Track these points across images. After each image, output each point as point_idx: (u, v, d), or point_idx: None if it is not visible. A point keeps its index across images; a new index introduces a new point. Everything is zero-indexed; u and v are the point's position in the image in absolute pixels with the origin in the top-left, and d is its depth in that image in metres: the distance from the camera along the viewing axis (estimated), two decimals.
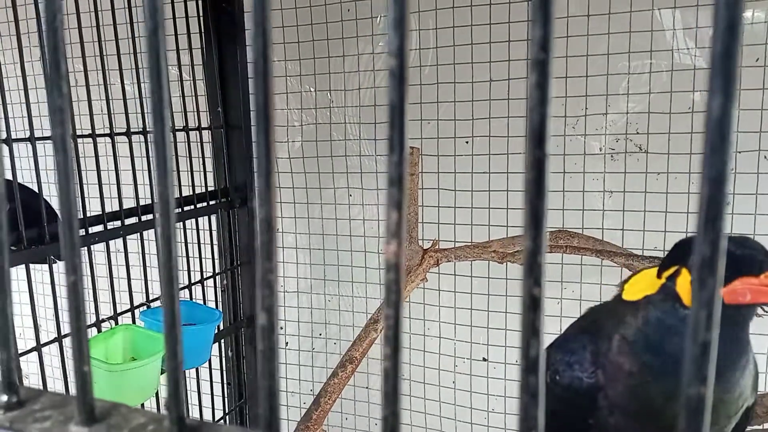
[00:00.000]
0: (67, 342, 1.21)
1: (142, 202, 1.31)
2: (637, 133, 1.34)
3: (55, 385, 1.32)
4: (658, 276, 0.65)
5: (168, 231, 0.28)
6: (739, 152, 1.28)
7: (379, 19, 1.49)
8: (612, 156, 1.37)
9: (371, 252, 1.58)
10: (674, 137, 1.30)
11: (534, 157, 0.22)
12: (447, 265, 1.47)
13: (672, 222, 1.31)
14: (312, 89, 1.58)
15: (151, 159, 1.33)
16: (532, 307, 0.22)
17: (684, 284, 0.61)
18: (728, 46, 0.19)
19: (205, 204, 1.48)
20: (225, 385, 1.61)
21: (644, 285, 0.65)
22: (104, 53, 1.24)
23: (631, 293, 0.66)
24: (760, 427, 0.85)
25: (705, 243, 0.20)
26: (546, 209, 0.22)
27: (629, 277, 0.72)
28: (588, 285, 1.38)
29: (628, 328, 0.64)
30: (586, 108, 1.36)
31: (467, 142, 1.46)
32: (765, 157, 1.27)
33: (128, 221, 1.30)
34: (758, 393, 0.91)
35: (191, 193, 1.46)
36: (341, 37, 1.51)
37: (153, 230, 1.36)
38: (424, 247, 1.39)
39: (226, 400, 1.61)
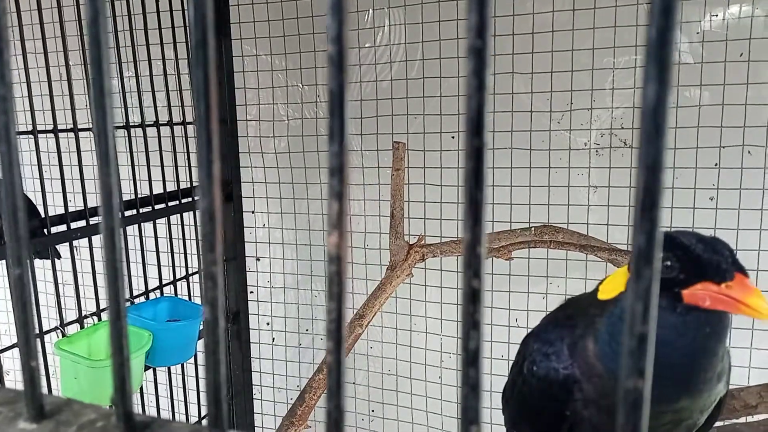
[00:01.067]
0: (47, 338, 1.20)
1: (124, 198, 1.30)
2: (622, 128, 1.34)
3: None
4: (629, 271, 0.65)
5: (111, 222, 0.27)
6: (724, 147, 1.28)
7: (366, 14, 1.48)
8: (597, 151, 1.37)
9: (358, 247, 1.58)
10: None
11: (472, 147, 0.21)
12: (433, 261, 1.47)
13: None
14: (298, 84, 1.58)
15: (135, 153, 1.33)
16: (472, 299, 0.22)
17: None
18: (663, 30, 0.19)
19: (189, 199, 1.47)
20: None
21: (617, 283, 0.65)
22: (84, 48, 1.23)
23: (605, 292, 0.66)
24: (737, 421, 0.85)
25: (641, 233, 0.20)
26: (485, 200, 0.22)
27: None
28: (573, 280, 1.38)
29: (599, 326, 0.64)
30: (572, 103, 1.35)
31: (453, 137, 1.46)
32: (749, 152, 1.27)
33: None
34: (737, 387, 0.91)
35: (176, 188, 1.45)
36: (326, 31, 1.50)
37: (136, 225, 1.36)
38: (410, 243, 1.39)
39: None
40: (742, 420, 0.86)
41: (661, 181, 0.20)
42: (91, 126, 1.23)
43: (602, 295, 0.66)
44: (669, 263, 0.57)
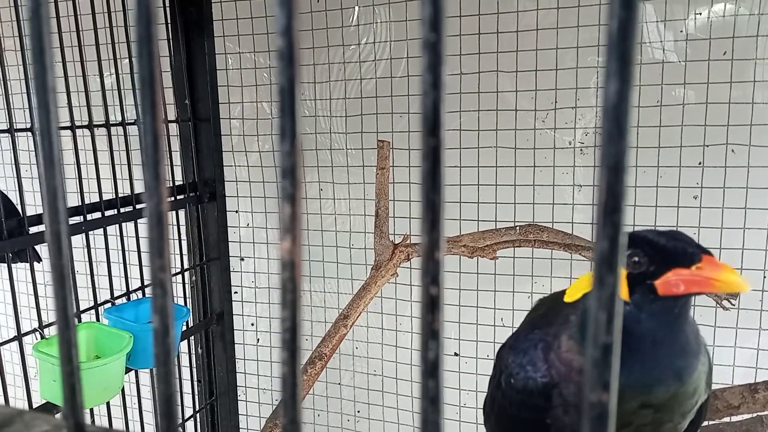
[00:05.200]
0: (26, 340, 1.18)
1: (105, 197, 1.28)
2: None
3: (15, 381, 1.29)
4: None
5: (57, 227, 0.26)
6: (707, 146, 1.28)
7: (352, 12, 1.47)
8: (582, 150, 1.36)
9: (342, 247, 1.56)
10: (642, 131, 1.29)
11: (428, 146, 0.20)
12: (419, 260, 1.46)
13: (641, 216, 1.31)
14: None
15: (115, 152, 1.31)
16: (431, 307, 0.21)
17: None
18: (625, 24, 0.18)
19: (172, 199, 1.45)
20: (195, 383, 1.59)
21: (585, 284, 0.65)
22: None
23: (571, 295, 0.65)
24: (720, 421, 0.85)
25: (603, 238, 0.19)
26: (443, 202, 0.21)
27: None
28: (558, 279, 1.38)
29: (572, 327, 0.63)
30: (556, 101, 1.35)
31: None
32: (732, 150, 1.27)
33: (91, 216, 1.26)
34: (719, 387, 0.91)
35: None
36: (311, 29, 1.49)
37: (117, 226, 1.33)
38: (395, 242, 1.38)
39: (196, 397, 1.59)
40: (726, 420, 0.85)
41: (624, 182, 0.19)
42: (70, 124, 1.21)
43: (568, 298, 0.65)
44: (637, 258, 0.58)
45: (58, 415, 1.26)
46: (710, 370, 0.65)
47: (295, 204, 0.22)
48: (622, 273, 0.62)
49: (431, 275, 0.21)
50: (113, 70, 1.27)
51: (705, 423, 0.88)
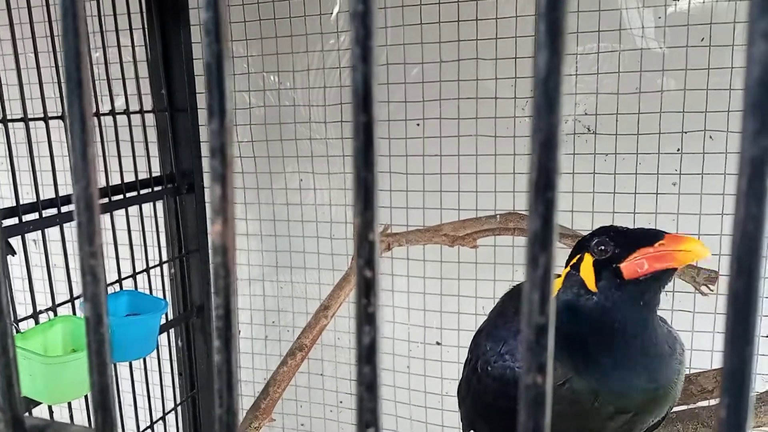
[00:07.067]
0: None
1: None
2: (586, 114, 1.33)
3: None
4: (566, 266, 0.66)
5: None
6: (686, 132, 1.28)
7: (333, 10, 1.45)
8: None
9: (323, 237, 1.55)
10: (621, 118, 1.29)
11: (359, 123, 0.19)
12: (400, 249, 1.46)
13: (620, 202, 1.32)
14: (261, 71, 1.54)
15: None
16: (366, 291, 0.20)
17: (586, 269, 0.61)
18: None
19: (149, 190, 1.43)
20: (176, 376, 1.57)
21: (557, 279, 0.65)
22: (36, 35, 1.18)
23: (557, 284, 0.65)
24: (695, 405, 0.85)
25: (535, 216, 0.18)
26: (376, 182, 0.20)
27: None
28: None
29: None
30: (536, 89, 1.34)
31: (418, 125, 1.44)
32: (710, 137, 1.27)
33: (65, 209, 1.24)
34: (694, 372, 0.91)
35: (134, 179, 1.41)
36: (288, 16, 1.47)
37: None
38: None
39: (177, 390, 1.58)
40: (701, 404, 0.86)
41: (556, 158, 0.18)
42: (43, 116, 1.18)
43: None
44: (603, 246, 0.59)
45: (35, 411, 1.25)
46: (683, 366, 0.65)
47: (226, 185, 0.21)
48: (589, 261, 0.62)
49: (365, 258, 0.20)
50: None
51: (681, 408, 0.88)
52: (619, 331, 0.58)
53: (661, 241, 0.56)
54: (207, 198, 1.50)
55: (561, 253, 1.21)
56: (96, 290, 0.23)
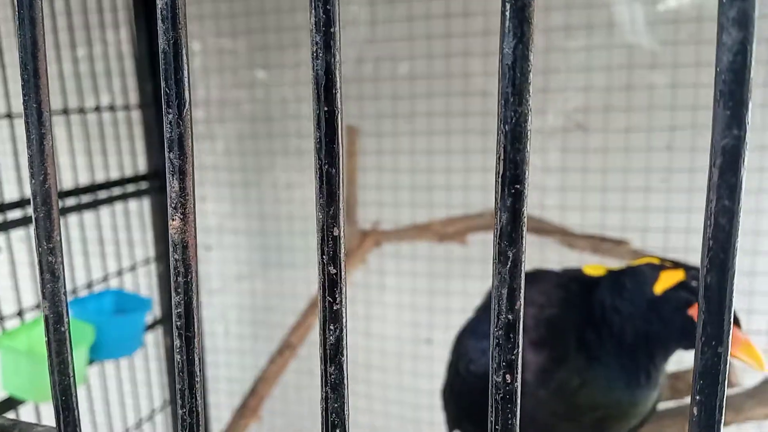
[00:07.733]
0: None
1: (68, 186, 1.25)
2: (575, 110, 1.33)
3: None
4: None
5: None
6: (675, 129, 1.28)
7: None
8: (551, 134, 1.35)
9: (313, 234, 1.54)
10: (611, 114, 1.29)
11: (320, 113, 0.19)
12: (390, 247, 1.45)
13: (611, 198, 1.31)
14: (248, 66, 1.53)
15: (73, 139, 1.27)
16: (330, 288, 0.20)
17: (671, 277, 0.61)
18: None
19: (135, 187, 1.42)
20: (164, 374, 1.56)
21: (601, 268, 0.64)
22: None
23: (594, 270, 0.65)
24: (682, 400, 0.85)
25: (504, 210, 0.17)
26: (341, 175, 0.19)
27: None
28: (528, 263, 1.37)
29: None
30: None
31: (407, 121, 1.43)
32: (700, 133, 1.27)
33: None
34: (683, 369, 0.91)
35: (120, 175, 1.40)
36: (276, 11, 1.45)
37: (77, 215, 1.30)
38: (364, 230, 1.37)
39: (165, 388, 1.57)
40: (688, 399, 0.86)
41: (524, 150, 0.17)
42: (9, 112, 1.16)
43: (591, 271, 0.65)
44: (695, 283, 0.58)
45: (23, 409, 1.23)
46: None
47: (186, 178, 0.20)
48: (680, 276, 0.61)
49: (329, 254, 0.19)
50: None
51: (669, 404, 0.88)
52: (639, 343, 0.58)
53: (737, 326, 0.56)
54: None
55: (550, 248, 1.21)
56: (55, 288, 0.22)
